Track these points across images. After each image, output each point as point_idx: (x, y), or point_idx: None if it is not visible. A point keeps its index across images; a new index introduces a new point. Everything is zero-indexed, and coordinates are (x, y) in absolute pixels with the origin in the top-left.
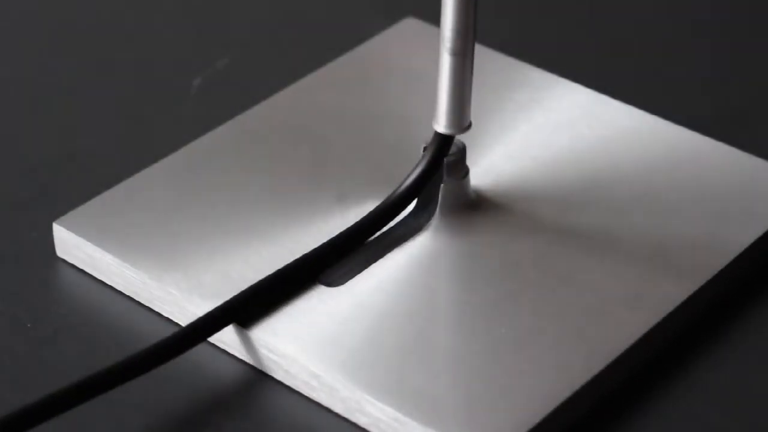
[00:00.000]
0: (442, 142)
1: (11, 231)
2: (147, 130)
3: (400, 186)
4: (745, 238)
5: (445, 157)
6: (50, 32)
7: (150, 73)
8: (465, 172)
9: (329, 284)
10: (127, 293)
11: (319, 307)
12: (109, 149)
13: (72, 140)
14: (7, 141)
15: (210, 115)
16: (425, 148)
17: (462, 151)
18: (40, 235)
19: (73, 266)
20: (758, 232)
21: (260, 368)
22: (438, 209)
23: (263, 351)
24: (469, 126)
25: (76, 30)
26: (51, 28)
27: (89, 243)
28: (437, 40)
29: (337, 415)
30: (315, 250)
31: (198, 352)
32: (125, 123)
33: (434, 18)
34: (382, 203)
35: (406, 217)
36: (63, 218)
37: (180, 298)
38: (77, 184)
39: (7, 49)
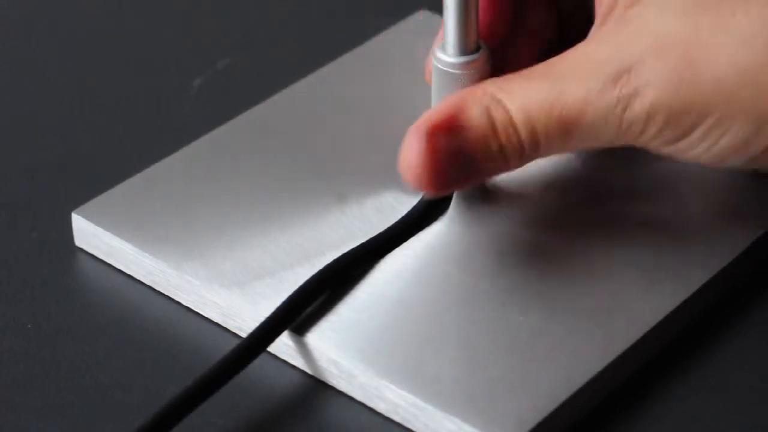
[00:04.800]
0: None
1: (17, 229)
2: (147, 131)
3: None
4: (760, 226)
5: None
6: (50, 32)
7: (150, 73)
8: None
9: None
10: (146, 282)
11: (336, 295)
12: (109, 149)
13: (72, 140)
14: (7, 141)
15: (211, 116)
16: None
17: None
18: (42, 233)
19: (91, 256)
20: None
21: (279, 356)
22: (454, 199)
23: (282, 339)
24: None
25: (76, 30)
26: (51, 28)
27: (108, 232)
28: None
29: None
30: (345, 254)
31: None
32: (126, 123)
33: None
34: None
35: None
36: (82, 208)
37: (199, 287)
38: (78, 184)
39: (7, 49)
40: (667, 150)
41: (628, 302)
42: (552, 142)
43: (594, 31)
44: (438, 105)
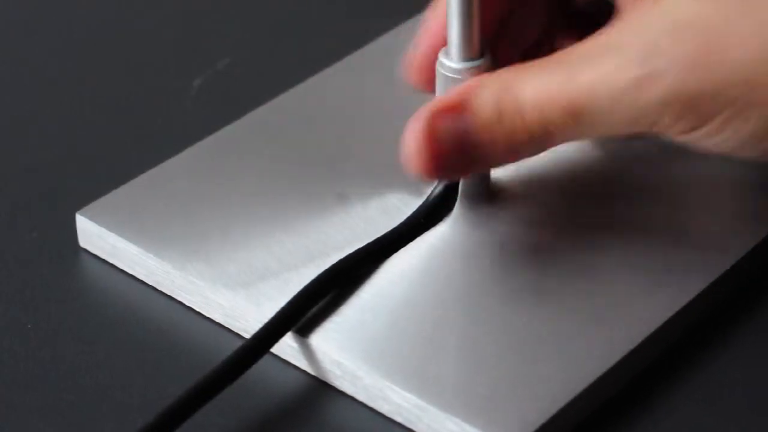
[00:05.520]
0: None
1: (20, 229)
2: (147, 131)
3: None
4: (763, 229)
5: None
6: (50, 32)
7: (150, 73)
8: None
9: None
10: (149, 283)
11: (340, 296)
12: (109, 150)
13: (71, 141)
14: (8, 141)
15: (211, 116)
16: None
17: None
18: (46, 234)
19: (95, 256)
20: None
21: (283, 357)
22: (458, 200)
23: (286, 340)
24: None
25: (76, 30)
26: (51, 27)
27: (112, 233)
28: None
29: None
30: (352, 254)
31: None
32: (126, 123)
33: None
34: (406, 221)
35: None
36: (86, 209)
37: (204, 288)
38: (77, 184)
39: (7, 49)
40: (683, 139)
41: (630, 305)
42: (563, 129)
43: (616, 18)
44: (448, 91)
